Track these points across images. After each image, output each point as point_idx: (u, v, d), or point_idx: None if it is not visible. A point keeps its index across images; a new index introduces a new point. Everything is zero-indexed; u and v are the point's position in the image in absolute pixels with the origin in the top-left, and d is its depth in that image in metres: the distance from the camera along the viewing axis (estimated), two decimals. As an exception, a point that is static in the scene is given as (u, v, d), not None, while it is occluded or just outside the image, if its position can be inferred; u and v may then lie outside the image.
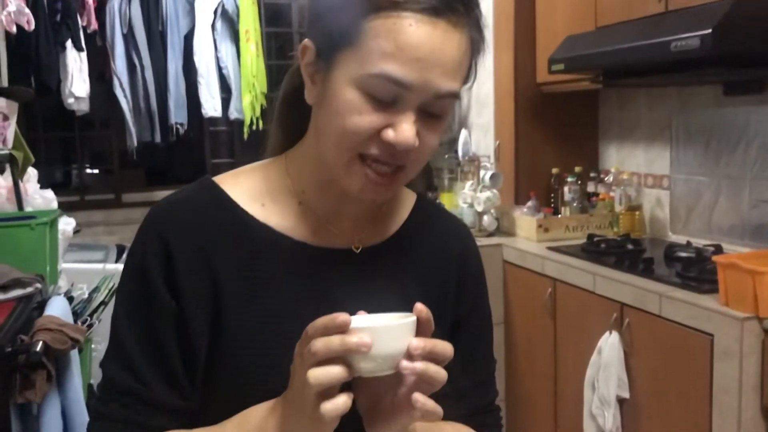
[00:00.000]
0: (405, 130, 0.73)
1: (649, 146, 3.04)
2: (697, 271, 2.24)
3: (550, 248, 2.88)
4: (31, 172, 2.56)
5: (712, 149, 2.68)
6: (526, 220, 3.16)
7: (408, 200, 0.93)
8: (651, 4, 2.43)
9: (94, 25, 4.08)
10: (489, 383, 0.95)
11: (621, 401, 2.31)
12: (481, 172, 3.40)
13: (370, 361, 0.65)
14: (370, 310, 0.72)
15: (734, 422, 1.90)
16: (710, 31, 1.99)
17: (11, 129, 2.41)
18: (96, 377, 2.07)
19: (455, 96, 0.75)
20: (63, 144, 5.22)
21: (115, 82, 4.21)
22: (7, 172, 2.32)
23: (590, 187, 3.23)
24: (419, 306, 0.69)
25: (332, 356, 0.64)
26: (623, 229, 2.98)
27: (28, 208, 2.31)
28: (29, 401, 1.46)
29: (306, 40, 0.79)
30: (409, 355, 0.66)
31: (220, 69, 4.37)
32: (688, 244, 2.65)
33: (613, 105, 3.25)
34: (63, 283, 2.17)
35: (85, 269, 2.64)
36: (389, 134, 0.73)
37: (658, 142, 2.98)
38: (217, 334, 0.79)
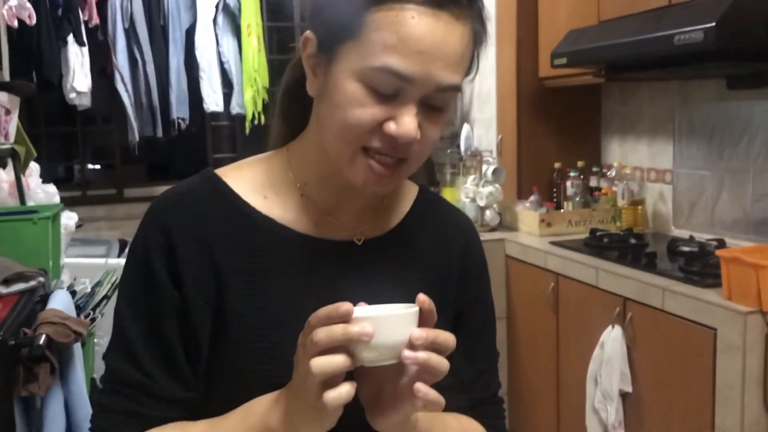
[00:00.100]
0: (407, 122, 0.73)
1: (651, 140, 3.03)
2: (700, 266, 2.24)
3: (553, 243, 2.88)
4: (33, 167, 2.56)
5: (715, 143, 2.67)
6: (528, 215, 3.16)
7: (410, 192, 0.93)
8: (654, -2, 2.42)
9: (96, 20, 4.07)
10: (491, 375, 0.95)
11: (624, 395, 2.31)
12: (484, 167, 3.40)
13: (373, 351, 0.65)
14: (372, 301, 0.72)
15: (737, 416, 1.90)
16: (714, 24, 1.99)
17: (13, 123, 2.41)
18: (99, 371, 2.07)
19: (457, 89, 0.75)
20: (65, 139, 5.22)
21: (117, 76, 4.20)
22: (9, 167, 2.32)
23: (593, 182, 3.22)
24: (422, 297, 0.69)
25: (335, 345, 0.64)
26: (626, 223, 2.98)
27: (30, 203, 2.31)
28: (32, 394, 1.46)
29: (308, 32, 0.78)
30: (412, 345, 0.66)
31: (221, 63, 4.37)
32: (691, 238, 2.65)
33: (616, 99, 3.24)
34: (65, 278, 2.17)
35: (88, 264, 2.64)
36: (391, 127, 0.73)
37: (660, 137, 2.97)
38: (219, 325, 0.79)
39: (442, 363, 0.67)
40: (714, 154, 2.68)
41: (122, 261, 2.75)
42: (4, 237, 1.89)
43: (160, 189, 0.87)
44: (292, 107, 0.88)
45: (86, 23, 4.04)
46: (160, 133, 4.33)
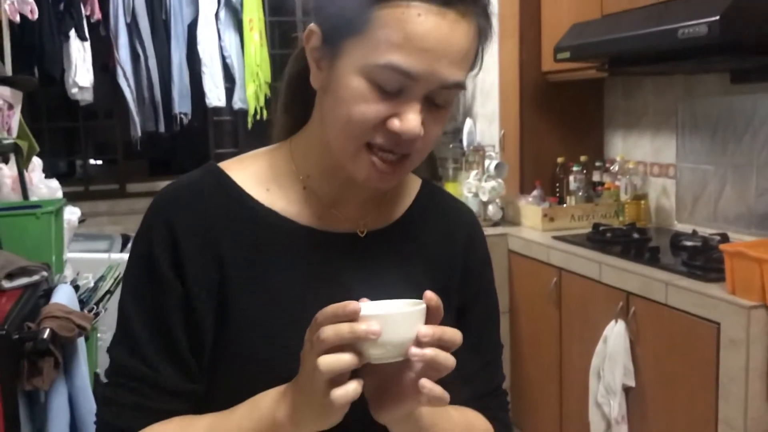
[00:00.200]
0: (411, 119, 0.73)
1: (655, 135, 3.03)
2: (703, 260, 2.24)
3: (556, 237, 2.87)
4: (36, 162, 2.56)
5: (719, 138, 2.66)
6: (531, 210, 3.16)
7: (413, 185, 0.93)
8: (658, -9, 2.41)
9: (98, 15, 4.07)
10: (495, 367, 0.95)
11: (627, 390, 2.31)
12: (486, 162, 3.39)
13: (380, 348, 0.65)
14: (376, 293, 0.72)
15: (740, 411, 1.90)
16: (718, 18, 1.98)
17: (16, 118, 2.40)
18: (102, 366, 2.07)
19: (461, 86, 0.75)
20: (67, 134, 5.22)
21: (119, 71, 4.20)
22: (12, 162, 2.32)
23: (596, 177, 3.22)
24: (429, 294, 0.68)
25: (341, 344, 0.64)
26: (629, 218, 2.97)
27: (33, 198, 2.31)
28: (36, 388, 1.46)
29: (312, 25, 0.78)
30: (418, 342, 0.66)
31: (223, 58, 4.36)
32: (694, 233, 2.64)
33: (619, 93, 3.24)
34: (68, 273, 2.17)
35: (90, 258, 2.64)
36: (395, 124, 0.73)
37: (664, 131, 2.96)
38: (223, 317, 0.79)
39: (448, 360, 0.67)
40: (717, 148, 2.67)
41: (125, 256, 2.75)
42: (7, 232, 1.89)
43: (162, 184, 0.87)
44: (295, 99, 0.88)
45: (88, 18, 4.04)
46: (162, 128, 4.33)
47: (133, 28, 4.20)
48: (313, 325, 0.67)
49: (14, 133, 2.41)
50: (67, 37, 3.97)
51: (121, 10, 4.16)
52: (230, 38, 4.37)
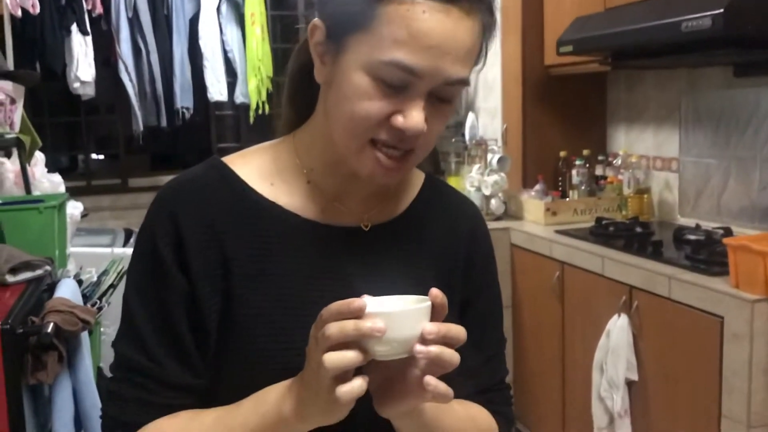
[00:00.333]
0: (414, 116, 0.73)
1: (657, 129, 3.02)
2: (706, 254, 2.23)
3: (558, 232, 2.87)
4: (38, 156, 2.56)
5: (722, 131, 2.66)
6: (533, 204, 3.15)
7: (417, 179, 0.93)
8: (661, -16, 2.40)
9: (99, 9, 4.06)
10: (498, 361, 0.95)
11: (629, 384, 2.31)
12: (489, 156, 3.39)
13: (385, 345, 0.65)
14: (379, 287, 0.72)
15: (744, 405, 1.90)
16: (722, 11, 1.97)
17: (18, 113, 2.40)
18: (105, 360, 2.08)
19: (465, 82, 0.75)
20: (68, 129, 5.22)
21: (121, 66, 4.20)
22: (15, 156, 2.32)
23: (598, 170, 3.22)
24: (434, 291, 0.68)
25: (346, 341, 0.64)
26: (632, 212, 2.97)
27: (35, 192, 2.31)
28: (41, 382, 1.47)
29: (315, 20, 0.78)
30: (423, 340, 0.66)
31: (225, 53, 4.36)
32: (697, 226, 2.64)
33: (622, 87, 3.23)
34: (71, 267, 2.17)
35: (93, 253, 2.65)
36: (399, 120, 0.73)
37: (666, 125, 2.96)
38: (228, 311, 0.79)
39: (453, 357, 0.67)
40: (720, 142, 2.67)
41: (128, 250, 2.76)
42: (10, 226, 1.89)
43: (164, 178, 0.87)
44: (299, 92, 0.88)
45: (90, 12, 4.04)
46: (164, 123, 4.33)
47: (134, 22, 4.20)
48: (318, 321, 0.67)
49: (17, 127, 2.41)
50: (69, 32, 3.96)
51: (122, 5, 4.15)
52: (232, 32, 4.36)
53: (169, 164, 5.34)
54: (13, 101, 2.33)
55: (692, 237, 2.51)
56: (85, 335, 1.63)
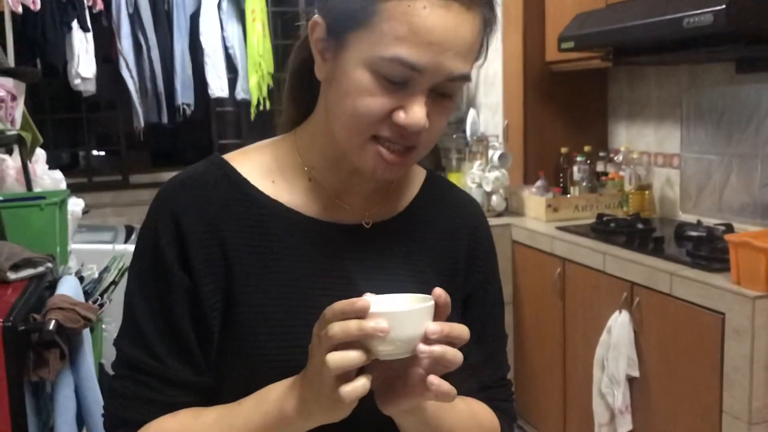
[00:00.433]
0: (416, 112, 0.73)
1: (659, 125, 3.01)
2: (707, 250, 2.23)
3: (560, 228, 2.87)
4: (40, 153, 2.56)
5: (724, 128, 2.65)
6: (535, 200, 3.15)
7: (418, 176, 0.93)
8: (663, -20, 2.40)
9: (100, 5, 4.05)
10: (500, 358, 0.95)
11: (630, 380, 2.31)
12: (490, 152, 3.39)
13: (388, 345, 0.65)
14: (381, 284, 0.72)
15: (745, 401, 1.90)
16: (724, 7, 1.97)
17: (19, 109, 2.40)
18: (107, 357, 2.08)
19: (467, 78, 0.75)
20: (69, 125, 5.22)
21: (122, 62, 4.20)
22: (16, 153, 2.32)
23: (600, 167, 3.21)
24: (438, 290, 0.68)
25: (349, 340, 0.64)
26: (633, 208, 2.97)
27: (37, 189, 2.31)
28: (42, 380, 1.47)
29: (316, 16, 0.78)
30: (427, 339, 0.66)
31: (226, 49, 4.35)
32: (699, 223, 2.64)
33: (623, 83, 3.22)
34: (73, 264, 2.17)
35: (95, 250, 2.65)
36: (400, 116, 0.73)
37: (668, 121, 2.95)
38: (229, 309, 0.79)
39: (456, 356, 0.67)
40: (722, 138, 2.66)
41: (129, 247, 2.76)
42: (11, 223, 1.89)
43: (166, 175, 0.87)
44: (299, 89, 0.88)
45: (90, 9, 4.03)
46: (165, 119, 4.33)
47: (135, 18, 4.19)
48: (321, 321, 0.67)
49: (18, 124, 2.40)
50: (70, 28, 3.96)
51: (123, 1, 4.15)
52: (233, 29, 4.35)
53: (170, 160, 5.35)
54: (14, 98, 2.33)
55: (693, 233, 2.51)
56: (86, 332, 1.63)
